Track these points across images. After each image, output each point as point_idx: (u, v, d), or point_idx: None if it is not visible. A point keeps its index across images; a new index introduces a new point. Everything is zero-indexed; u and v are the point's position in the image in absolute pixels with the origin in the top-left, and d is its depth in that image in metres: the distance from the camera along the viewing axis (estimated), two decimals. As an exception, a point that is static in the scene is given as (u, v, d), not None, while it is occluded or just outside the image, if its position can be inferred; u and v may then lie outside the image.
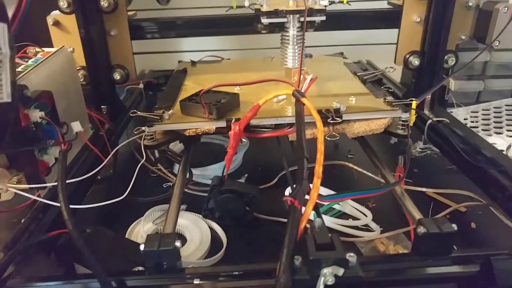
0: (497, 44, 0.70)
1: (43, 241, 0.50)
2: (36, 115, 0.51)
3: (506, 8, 0.68)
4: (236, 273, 0.42)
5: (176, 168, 0.77)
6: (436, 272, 0.44)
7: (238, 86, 0.73)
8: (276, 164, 0.79)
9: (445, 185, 0.71)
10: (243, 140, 0.83)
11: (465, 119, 1.05)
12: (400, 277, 0.43)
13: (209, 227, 0.63)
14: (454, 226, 0.44)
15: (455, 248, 0.46)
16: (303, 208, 0.41)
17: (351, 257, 0.37)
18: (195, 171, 0.74)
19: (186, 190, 0.70)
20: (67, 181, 0.51)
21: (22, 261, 0.47)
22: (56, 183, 0.48)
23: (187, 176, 0.66)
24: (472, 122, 1.04)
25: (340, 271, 0.36)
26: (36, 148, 0.53)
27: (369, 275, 0.42)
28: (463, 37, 0.77)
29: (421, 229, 0.44)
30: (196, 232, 0.61)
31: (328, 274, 0.36)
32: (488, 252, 0.44)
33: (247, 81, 0.63)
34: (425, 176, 0.76)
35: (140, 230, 0.61)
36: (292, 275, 0.35)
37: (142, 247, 0.42)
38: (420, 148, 0.85)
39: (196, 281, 0.41)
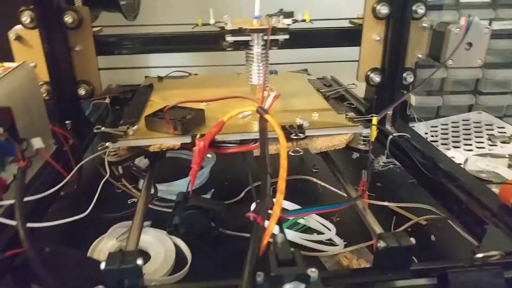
0: (451, 63, 0.73)
1: (-2, 261, 0.48)
2: (-6, 131, 0.50)
3: (458, 29, 0.71)
4: (199, 290, 0.42)
5: (142, 183, 0.76)
6: (396, 286, 0.44)
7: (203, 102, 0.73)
8: (243, 179, 0.79)
9: (407, 198, 0.73)
10: (208, 155, 0.83)
11: (425, 133, 1.09)
12: (361, 291, 0.44)
13: (174, 243, 0.62)
14: (412, 240, 0.45)
15: (416, 261, 0.48)
16: (267, 223, 0.41)
17: (313, 272, 0.38)
18: (160, 187, 0.73)
19: (151, 206, 0.69)
20: (26, 199, 0.49)
21: (-24, 283, 0.45)
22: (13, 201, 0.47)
23: (152, 192, 0.66)
24: (432, 136, 1.08)
25: (302, 287, 0.37)
26: (-7, 165, 0.51)
27: (331, 289, 0.43)
28: (420, 56, 0.80)
29: (381, 244, 0.45)
30: (160, 249, 0.61)
31: (289, 290, 0.37)
32: (444, 265, 0.45)
33: (211, 98, 0.64)
34: (388, 190, 0.78)
35: (103, 247, 0.60)
36: (254, 292, 0.36)
37: (102, 266, 0.41)
38: (383, 162, 0.87)
39: (158, 300, 0.41)
